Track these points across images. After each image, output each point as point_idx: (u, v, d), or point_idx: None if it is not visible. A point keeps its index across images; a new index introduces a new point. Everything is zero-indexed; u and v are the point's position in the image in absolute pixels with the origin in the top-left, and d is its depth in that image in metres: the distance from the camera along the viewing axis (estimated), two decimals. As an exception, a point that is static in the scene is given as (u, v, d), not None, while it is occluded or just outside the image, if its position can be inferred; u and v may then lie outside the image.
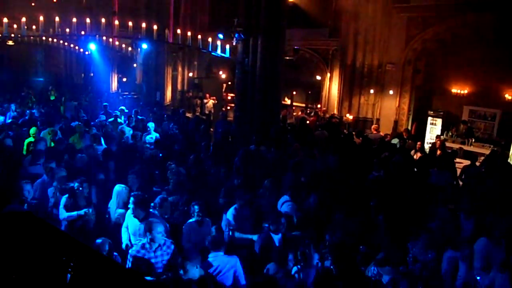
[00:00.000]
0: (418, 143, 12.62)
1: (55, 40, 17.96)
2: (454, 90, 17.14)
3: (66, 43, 20.04)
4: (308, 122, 14.95)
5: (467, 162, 11.14)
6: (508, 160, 11.87)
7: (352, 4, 17.56)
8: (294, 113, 18.02)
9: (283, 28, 12.08)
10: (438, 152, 11.57)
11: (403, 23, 16.88)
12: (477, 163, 10.81)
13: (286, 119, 16.14)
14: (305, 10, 18.72)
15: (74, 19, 10.95)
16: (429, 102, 18.16)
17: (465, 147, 14.39)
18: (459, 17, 15.78)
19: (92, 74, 24.32)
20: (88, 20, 11.04)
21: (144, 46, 12.84)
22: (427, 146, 14.75)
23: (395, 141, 12.87)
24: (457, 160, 11.61)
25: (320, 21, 19.31)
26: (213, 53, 12.20)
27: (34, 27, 13.05)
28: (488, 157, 11.28)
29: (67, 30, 12.43)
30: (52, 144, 9.51)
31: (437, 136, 14.72)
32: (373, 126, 15.41)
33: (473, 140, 15.26)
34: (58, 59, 26.61)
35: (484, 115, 16.79)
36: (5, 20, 10.47)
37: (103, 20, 11.51)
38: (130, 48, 19.45)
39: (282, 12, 11.85)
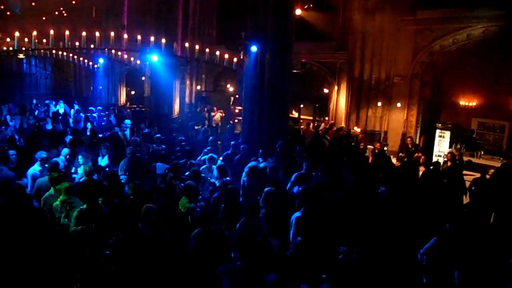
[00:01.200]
0: (422, 157, 12.57)
1: (64, 53, 18.18)
2: (462, 103, 17.09)
3: (75, 57, 20.27)
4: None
5: (476, 174, 11.06)
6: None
7: (359, 18, 17.66)
8: (302, 126, 17.97)
9: (291, 41, 12.14)
10: (449, 163, 11.47)
11: (410, 36, 16.92)
12: (487, 176, 10.71)
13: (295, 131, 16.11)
14: (312, 24, 18.80)
15: (84, 33, 11.10)
16: (437, 115, 18.09)
17: (474, 160, 14.29)
18: (466, 29, 15.80)
19: (101, 87, 24.51)
20: (97, 33, 11.19)
21: (154, 58, 12.90)
22: (437, 159, 14.59)
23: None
24: (466, 172, 11.53)
25: (327, 35, 19.37)
26: (220, 66, 12.29)
27: (44, 40, 13.23)
28: (499, 170, 11.15)
29: (77, 43, 12.60)
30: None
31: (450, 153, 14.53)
32: (376, 145, 15.25)
33: (482, 153, 15.15)
34: (68, 72, 26.89)
35: (493, 127, 16.72)
36: (17, 34, 10.63)
37: (112, 33, 11.66)
38: (138, 61, 19.62)
39: (290, 25, 11.91)
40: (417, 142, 17.37)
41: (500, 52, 15.50)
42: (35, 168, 8.43)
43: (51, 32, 10.72)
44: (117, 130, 13.27)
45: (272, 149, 10.69)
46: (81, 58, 21.00)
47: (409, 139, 15.29)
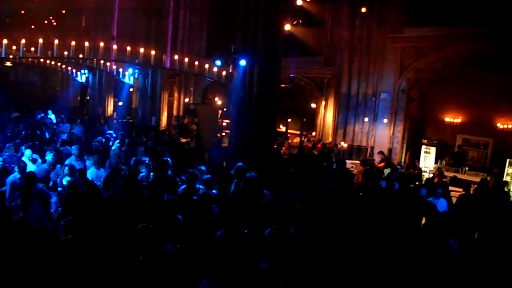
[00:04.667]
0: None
1: (53, 62, 18.11)
2: (447, 119, 17.38)
3: (63, 66, 20.19)
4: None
5: (460, 190, 11.23)
6: (506, 189, 11.94)
7: (347, 34, 17.89)
8: (289, 140, 18.08)
9: (280, 56, 12.25)
10: (436, 179, 11.61)
11: (397, 52, 17.18)
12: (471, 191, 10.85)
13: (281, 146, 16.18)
14: (301, 39, 18.98)
15: (73, 42, 11.09)
16: (423, 131, 18.34)
17: (459, 175, 14.49)
18: (451, 47, 16.11)
19: (88, 97, 24.41)
20: (86, 43, 11.18)
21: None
22: (427, 175, 14.74)
23: (387, 171, 12.91)
24: (451, 188, 11.68)
25: (316, 50, 19.58)
26: (209, 79, 12.33)
27: (32, 49, 13.18)
28: (479, 185, 11.32)
29: (66, 53, 12.56)
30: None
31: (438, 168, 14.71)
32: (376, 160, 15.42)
33: (467, 169, 15.37)
34: (55, 81, 26.77)
35: (477, 143, 16.96)
36: (5, 41, 10.59)
37: (101, 44, 11.66)
38: (127, 72, 19.60)
39: (279, 40, 12.03)
40: (403, 157, 17.58)
41: (484, 69, 15.82)
42: (15, 175, 8.28)
43: (40, 40, 10.69)
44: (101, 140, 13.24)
45: (259, 163, 10.69)
46: (69, 68, 20.94)
47: (379, 155, 15.42)
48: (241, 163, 9.00)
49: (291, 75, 17.02)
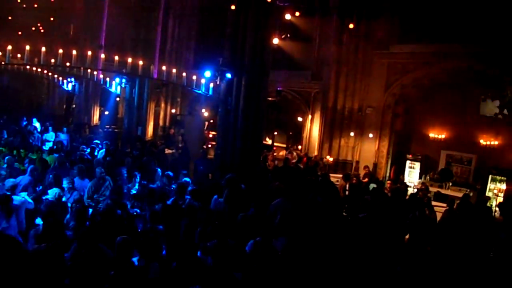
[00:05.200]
0: (388, 182, 12.86)
1: (39, 70, 17.95)
2: (432, 135, 17.59)
3: (50, 74, 20.03)
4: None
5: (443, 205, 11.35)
6: (488, 204, 12.10)
7: (334, 49, 18.08)
8: (275, 154, 18.13)
9: (267, 70, 12.31)
10: (420, 194, 11.75)
11: (383, 68, 17.41)
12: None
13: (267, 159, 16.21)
14: (289, 53, 19.13)
15: (61, 50, 11.00)
16: (407, 146, 18.53)
17: (443, 191, 14.64)
18: (437, 64, 16.38)
19: (74, 106, 24.22)
20: (74, 52, 11.10)
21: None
22: (411, 190, 14.87)
23: (373, 185, 13.01)
24: (435, 203, 11.78)
25: (303, 64, 19.72)
26: (196, 91, 12.33)
27: (19, 55, 13.05)
28: (461, 201, 11.46)
29: (53, 60, 12.47)
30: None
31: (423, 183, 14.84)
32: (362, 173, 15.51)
33: (450, 184, 15.57)
34: (41, 89, 26.53)
35: (461, 159, 17.16)
36: (-10, 48, 10.50)
37: (89, 52, 11.59)
38: (114, 82, 19.49)
39: (267, 53, 12.10)
40: (387, 172, 17.70)
41: (469, 86, 16.12)
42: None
43: (27, 47, 10.59)
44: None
45: (244, 175, 10.69)
46: (55, 76, 20.77)
47: (365, 170, 15.55)
48: (231, 174, 8.98)
49: (279, 89, 17.15)
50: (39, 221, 7.04)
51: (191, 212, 7.21)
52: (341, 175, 14.13)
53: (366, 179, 14.36)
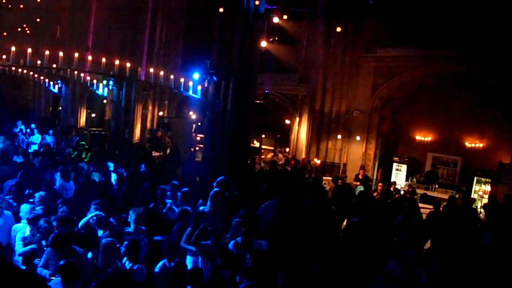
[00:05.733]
0: (379, 184, 12.97)
1: (25, 71, 17.76)
2: (418, 137, 17.77)
3: (36, 75, 19.83)
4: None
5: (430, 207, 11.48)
6: (473, 206, 12.26)
7: (321, 52, 18.16)
8: (263, 156, 18.17)
9: (255, 72, 12.34)
10: (407, 195, 11.86)
11: (370, 72, 17.53)
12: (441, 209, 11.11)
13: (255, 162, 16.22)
14: (277, 56, 19.19)
15: (47, 52, 10.91)
16: (394, 149, 18.69)
17: (429, 193, 14.80)
18: (423, 68, 16.55)
19: (60, 108, 24.01)
20: (61, 53, 11.01)
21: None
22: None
23: (360, 188, 13.10)
24: (421, 205, 11.91)
25: (291, 67, 19.80)
26: (184, 94, 12.31)
27: (4, 56, 12.91)
28: (448, 202, 11.60)
29: (39, 62, 12.34)
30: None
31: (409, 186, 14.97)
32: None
33: (437, 186, 15.74)
34: (26, 91, 26.25)
35: (447, 161, 17.34)
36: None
37: (76, 54, 11.51)
38: (101, 84, 19.38)
39: (255, 56, 12.14)
40: (375, 175, 17.83)
41: (454, 90, 16.32)
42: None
43: (12, 48, 10.49)
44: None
45: (232, 177, 10.69)
46: (41, 77, 20.58)
47: (361, 171, 15.66)
48: (223, 176, 8.95)
49: (266, 91, 17.19)
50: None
51: (183, 216, 7.18)
52: (330, 178, 14.23)
53: (358, 183, 14.42)
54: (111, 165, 10.98)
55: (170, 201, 8.34)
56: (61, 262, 4.96)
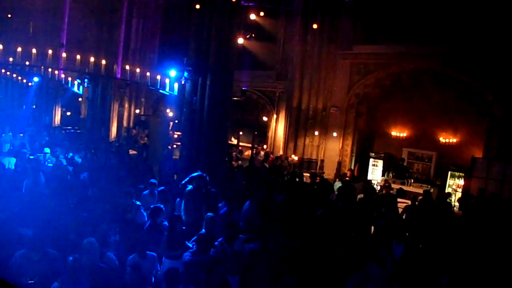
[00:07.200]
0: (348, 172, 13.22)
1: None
2: (394, 133, 18.03)
3: (8, 73, 19.37)
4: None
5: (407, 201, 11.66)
6: (448, 200, 12.49)
7: (298, 49, 18.26)
8: (246, 153, 18.19)
9: (232, 69, 12.33)
10: (384, 191, 11.99)
11: (347, 69, 17.71)
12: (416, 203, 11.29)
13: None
14: (254, 53, 19.23)
15: (19, 49, 10.69)
16: (371, 144, 18.94)
17: (405, 188, 15.01)
18: (398, 65, 16.78)
19: (34, 106, 23.52)
20: (34, 50, 10.80)
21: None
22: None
23: (338, 184, 13.18)
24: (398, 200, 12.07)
25: (268, 64, 19.86)
26: (161, 91, 12.22)
27: (-26, 53, 12.56)
28: (423, 196, 11.79)
29: (11, 59, 12.05)
30: None
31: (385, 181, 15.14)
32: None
33: (412, 181, 16.02)
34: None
35: (422, 157, 17.63)
36: None
37: (50, 51, 11.30)
38: (76, 81, 19.08)
39: (231, 53, 12.13)
40: (352, 168, 17.99)
41: (429, 86, 16.61)
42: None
43: (-17, 45, 10.24)
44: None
45: (210, 175, 10.65)
46: (13, 75, 20.11)
47: (349, 172, 15.75)
48: (199, 172, 8.90)
49: (244, 88, 17.20)
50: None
51: (155, 213, 7.11)
52: (308, 174, 14.29)
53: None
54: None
55: (138, 202, 8.16)
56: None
